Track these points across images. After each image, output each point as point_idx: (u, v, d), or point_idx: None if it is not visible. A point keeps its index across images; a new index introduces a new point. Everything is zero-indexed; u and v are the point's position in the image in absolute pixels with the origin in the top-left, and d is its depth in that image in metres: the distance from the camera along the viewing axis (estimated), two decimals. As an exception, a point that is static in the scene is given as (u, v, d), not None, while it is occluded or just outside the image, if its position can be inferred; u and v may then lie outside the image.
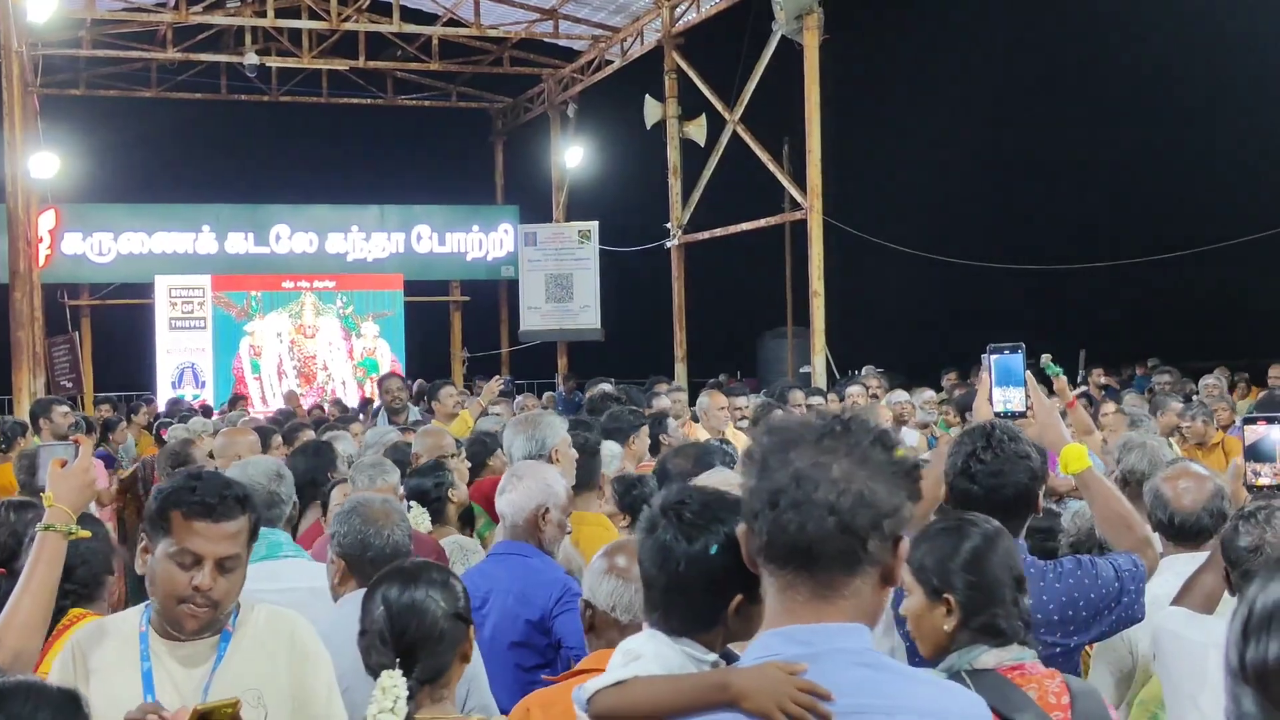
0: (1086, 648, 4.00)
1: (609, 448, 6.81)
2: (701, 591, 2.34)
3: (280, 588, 4.49)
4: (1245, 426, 4.10)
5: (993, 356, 4.13)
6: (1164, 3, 22.54)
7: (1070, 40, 24.08)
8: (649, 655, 2.42)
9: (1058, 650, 3.70)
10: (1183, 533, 4.30)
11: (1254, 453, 4.01)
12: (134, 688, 3.17)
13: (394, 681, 3.16)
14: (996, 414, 4.03)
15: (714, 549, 2.42)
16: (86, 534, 3.81)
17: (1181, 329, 21.47)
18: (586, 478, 5.88)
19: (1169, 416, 9.53)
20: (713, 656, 2.44)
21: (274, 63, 24.93)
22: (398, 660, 3.21)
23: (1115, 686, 4.16)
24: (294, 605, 3.99)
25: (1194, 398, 11.14)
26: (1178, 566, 4.14)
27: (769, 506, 2.11)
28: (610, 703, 2.33)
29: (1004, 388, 4.05)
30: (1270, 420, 4.03)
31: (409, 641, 3.24)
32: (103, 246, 24.26)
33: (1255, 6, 20.83)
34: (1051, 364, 5.81)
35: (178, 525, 3.20)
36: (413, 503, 5.68)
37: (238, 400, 18.56)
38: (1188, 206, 20.11)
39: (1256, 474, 3.99)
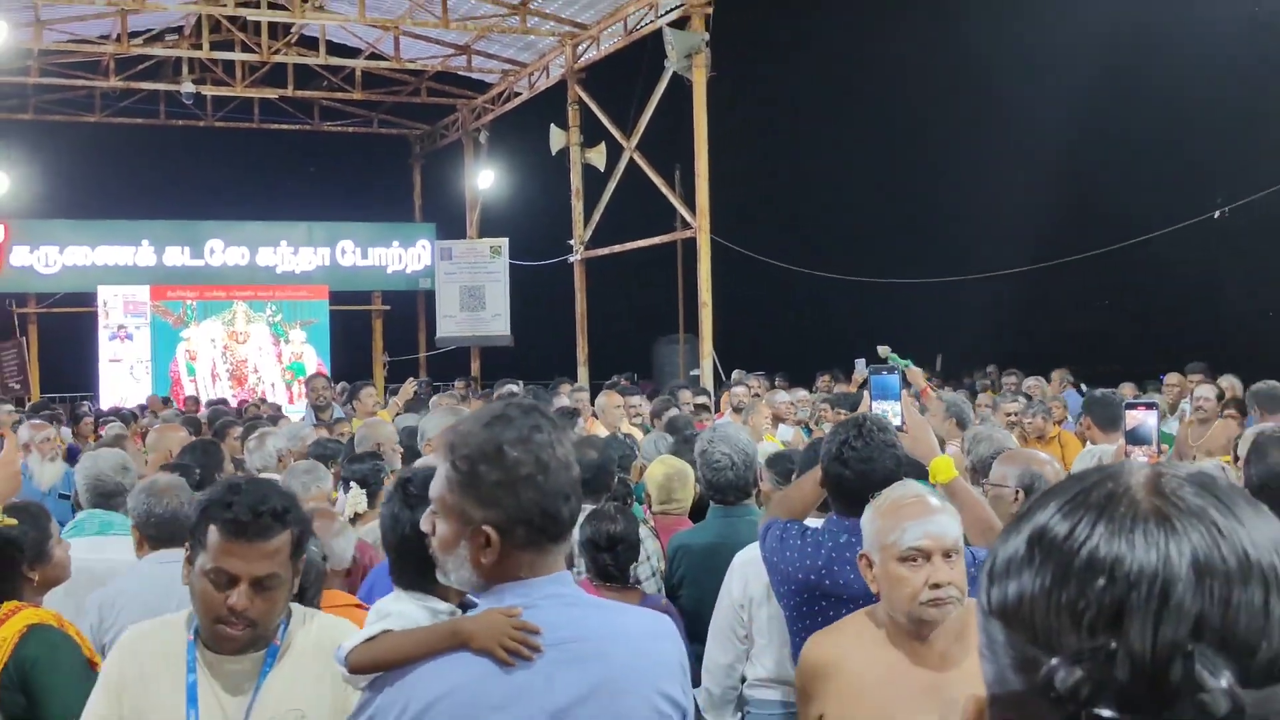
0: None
1: None
2: (426, 553, 2.42)
3: (102, 557, 4.86)
4: (1127, 412, 4.18)
5: (872, 375, 4.22)
6: (997, 46, 22.93)
7: (920, 84, 24.43)
8: (395, 612, 2.55)
9: None
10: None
11: (1133, 436, 4.10)
12: (177, 699, 2.77)
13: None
14: None
15: None
16: (13, 522, 3.66)
17: (1021, 338, 21.84)
18: None
19: (1000, 413, 9.76)
20: (448, 607, 2.59)
21: (209, 91, 24.72)
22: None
23: None
24: (110, 572, 4.60)
25: (1032, 397, 11.36)
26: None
27: (519, 487, 2.26)
28: (364, 656, 2.43)
29: (881, 402, 4.11)
30: (1148, 407, 4.12)
31: None
32: (49, 259, 23.91)
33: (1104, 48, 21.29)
34: (894, 355, 5.93)
35: (213, 542, 2.75)
36: (353, 484, 5.73)
37: (167, 401, 18.35)
38: (1027, 232, 20.45)
39: (1131, 454, 4.08)
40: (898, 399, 4.10)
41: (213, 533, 2.75)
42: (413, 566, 2.67)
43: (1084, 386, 13.42)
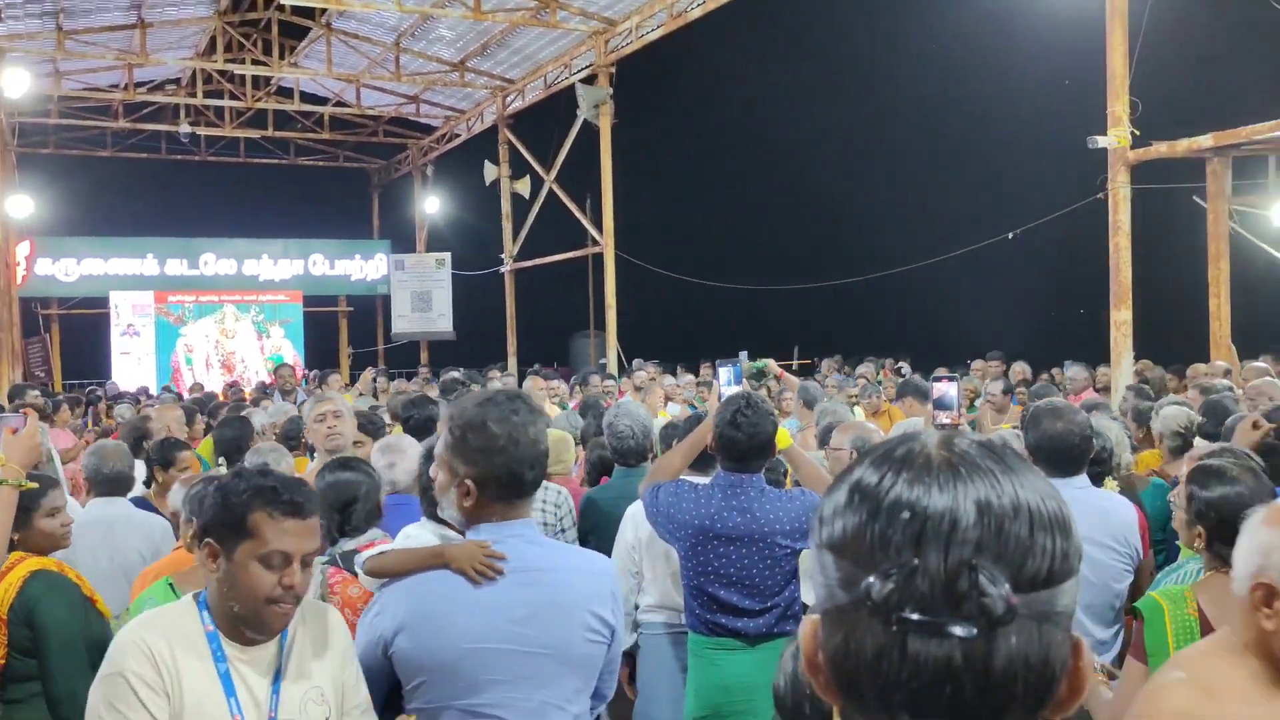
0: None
1: None
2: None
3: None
4: (933, 385, 4.25)
5: (719, 366, 4.35)
6: (861, 83, 23.24)
7: (791, 120, 24.68)
8: (414, 536, 2.87)
9: (789, 551, 3.83)
10: None
11: (939, 404, 4.20)
12: (212, 690, 2.31)
13: None
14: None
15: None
16: (34, 485, 3.59)
17: (860, 333, 22.18)
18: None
19: (844, 394, 9.98)
20: (457, 536, 2.71)
21: (202, 132, 24.25)
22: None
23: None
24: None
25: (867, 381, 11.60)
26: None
27: (494, 454, 2.43)
28: (376, 565, 2.65)
29: (728, 386, 4.22)
30: (950, 380, 4.22)
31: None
32: (68, 269, 23.32)
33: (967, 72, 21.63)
34: (751, 363, 6.07)
35: (264, 526, 2.31)
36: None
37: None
38: (876, 243, 20.78)
39: (937, 418, 4.19)
40: (740, 383, 4.27)
41: (262, 519, 2.31)
42: (431, 504, 2.95)
43: (904, 368, 13.68)
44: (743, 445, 3.81)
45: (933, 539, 0.89)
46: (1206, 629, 2.73)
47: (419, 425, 5.98)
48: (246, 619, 2.34)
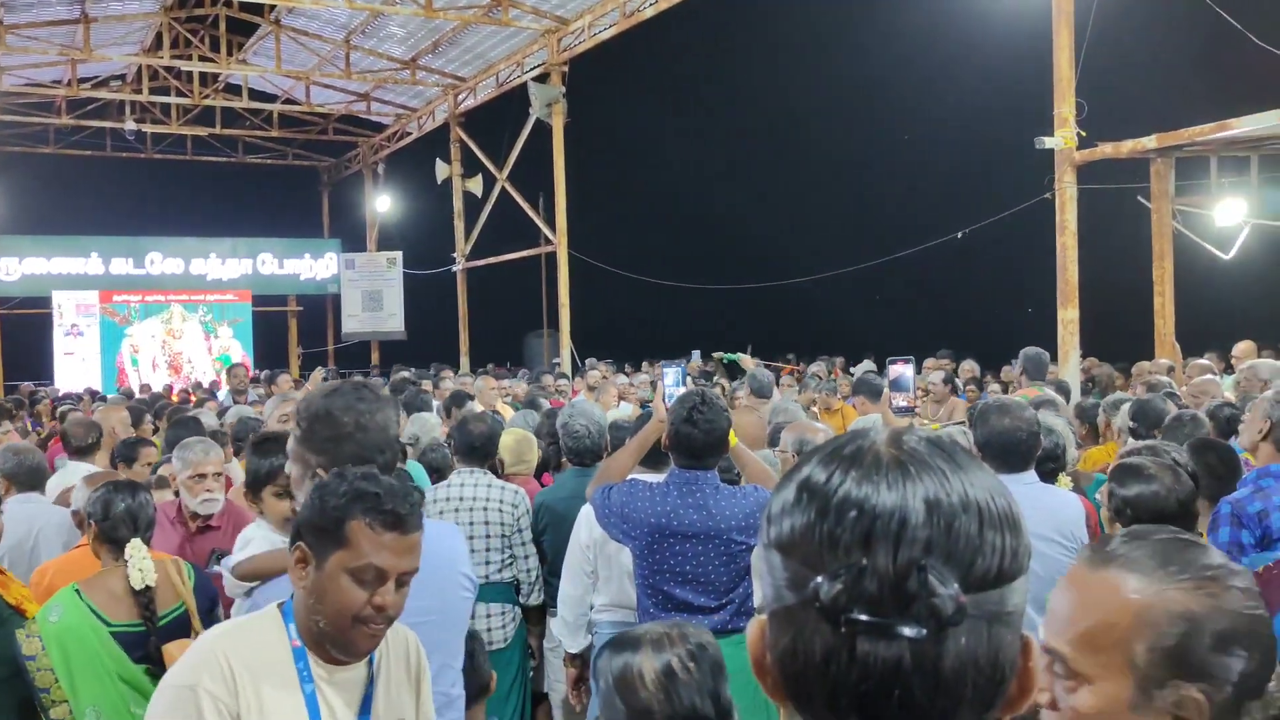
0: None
1: (428, 417, 6.91)
2: None
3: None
4: (889, 366, 4.29)
5: (664, 366, 4.38)
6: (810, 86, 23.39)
7: (739, 124, 24.83)
8: (256, 536, 2.90)
9: (744, 547, 3.85)
10: None
11: (895, 385, 4.25)
12: (298, 713, 2.11)
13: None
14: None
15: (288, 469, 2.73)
16: None
17: (815, 331, 22.33)
18: None
19: (806, 393, 10.05)
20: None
21: (148, 129, 23.97)
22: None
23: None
24: None
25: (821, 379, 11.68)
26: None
27: (332, 441, 2.51)
28: (249, 567, 2.76)
29: (673, 387, 4.26)
30: (905, 363, 4.27)
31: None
32: (9, 269, 22.86)
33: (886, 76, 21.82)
34: (728, 355, 6.09)
35: (360, 537, 2.08)
36: None
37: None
38: (828, 242, 20.94)
39: (894, 400, 4.23)
40: (684, 383, 4.31)
41: (360, 528, 2.08)
42: None
43: (853, 369, 13.79)
44: (699, 442, 3.83)
45: (881, 538, 0.88)
46: None
47: None
48: (332, 637, 2.12)
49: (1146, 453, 3.42)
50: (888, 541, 0.88)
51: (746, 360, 8.96)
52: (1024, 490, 4.00)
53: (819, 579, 0.89)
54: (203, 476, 4.49)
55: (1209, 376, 7.82)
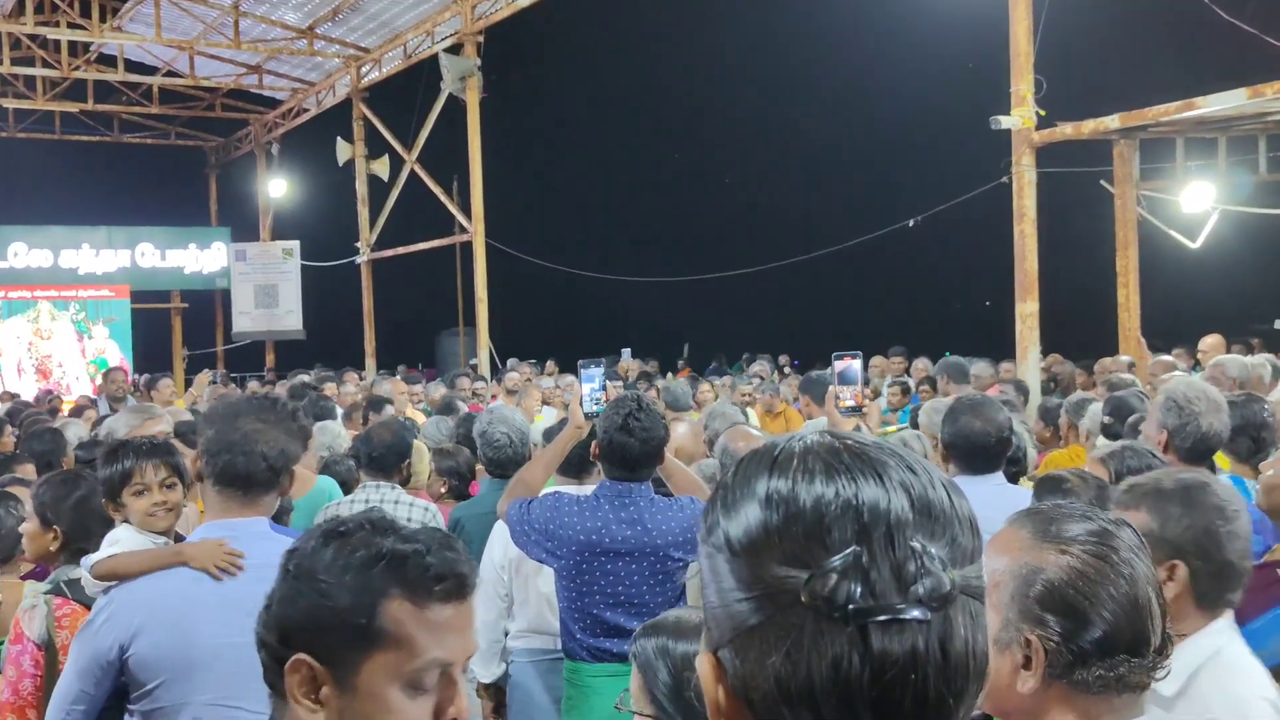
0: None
1: (334, 426, 6.89)
2: None
3: None
4: (835, 361, 4.34)
5: (581, 368, 4.41)
6: (750, 67, 23.58)
7: (671, 103, 24.93)
8: (122, 539, 3.01)
9: (681, 564, 3.89)
10: None
11: (842, 379, 4.29)
12: None
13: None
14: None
15: None
16: None
17: (757, 327, 22.53)
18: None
19: (737, 392, 10.18)
20: (161, 539, 3.07)
21: (10, 104, 23.46)
22: None
23: (695, 600, 4.36)
24: None
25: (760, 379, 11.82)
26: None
27: (224, 451, 2.86)
28: (106, 567, 2.89)
29: (588, 384, 4.29)
30: (853, 356, 4.31)
31: None
32: None
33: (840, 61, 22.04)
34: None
35: (408, 623, 1.53)
36: None
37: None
38: (771, 232, 21.11)
39: (841, 396, 4.27)
40: (596, 384, 4.29)
41: (402, 611, 1.54)
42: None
43: (787, 369, 13.96)
44: (634, 451, 3.86)
45: (873, 524, 0.93)
46: None
47: None
48: None
49: (1128, 453, 3.54)
50: (880, 527, 0.94)
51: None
52: (991, 491, 4.12)
53: (810, 574, 0.93)
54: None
55: (1175, 374, 8.04)
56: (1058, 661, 1.68)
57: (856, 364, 4.31)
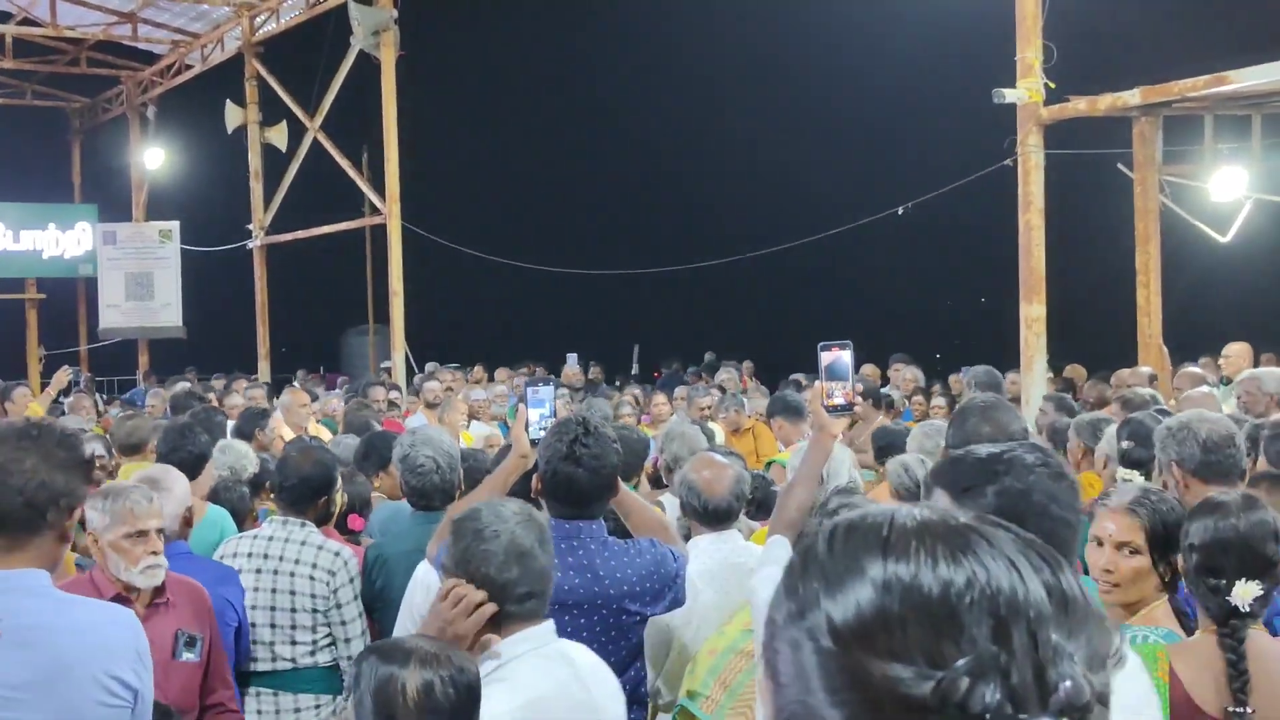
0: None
1: (238, 444, 6.87)
2: None
3: None
4: (821, 353, 4.39)
5: (528, 387, 4.45)
6: (701, 43, 23.67)
7: (621, 75, 25.00)
8: None
9: (638, 619, 3.90)
10: (715, 517, 4.52)
11: (830, 373, 4.35)
12: None
13: None
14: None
15: None
16: None
17: (720, 327, 22.65)
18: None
19: (694, 407, 10.25)
20: None
21: None
22: None
23: (654, 661, 4.34)
24: None
25: (725, 390, 11.89)
26: (703, 544, 4.49)
27: None
28: None
29: (535, 409, 4.33)
30: (841, 347, 4.37)
31: None
32: None
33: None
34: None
35: None
36: None
37: None
38: (736, 219, 21.23)
39: (831, 394, 4.32)
40: (546, 409, 4.33)
41: None
42: None
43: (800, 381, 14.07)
44: (582, 484, 3.86)
45: (1011, 619, 0.93)
46: (1178, 698, 3.03)
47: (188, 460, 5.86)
48: None
49: (1154, 498, 3.62)
50: (1020, 622, 0.93)
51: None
52: None
53: (941, 676, 0.92)
54: (144, 534, 4.27)
55: (1203, 389, 8.16)
56: None
57: (847, 355, 4.33)
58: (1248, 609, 3.12)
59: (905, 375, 12.47)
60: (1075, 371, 12.43)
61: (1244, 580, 3.12)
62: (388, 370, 18.14)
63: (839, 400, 4.25)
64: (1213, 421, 4.66)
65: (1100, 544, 3.55)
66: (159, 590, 4.26)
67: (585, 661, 3.15)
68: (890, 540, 0.99)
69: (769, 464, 7.20)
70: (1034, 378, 10.86)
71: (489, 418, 11.64)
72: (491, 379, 15.67)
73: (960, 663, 0.91)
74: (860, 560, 0.98)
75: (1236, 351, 9.93)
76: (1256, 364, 10.00)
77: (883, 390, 11.35)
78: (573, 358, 17.54)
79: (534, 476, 4.01)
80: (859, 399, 4.56)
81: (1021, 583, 0.95)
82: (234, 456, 6.52)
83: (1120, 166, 12.12)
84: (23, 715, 2.72)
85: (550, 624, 3.07)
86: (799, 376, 13.74)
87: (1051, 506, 2.22)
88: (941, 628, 0.93)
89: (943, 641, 0.92)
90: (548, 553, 3.12)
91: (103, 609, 3.10)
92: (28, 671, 2.75)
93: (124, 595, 4.17)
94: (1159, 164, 11.93)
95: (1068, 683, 0.92)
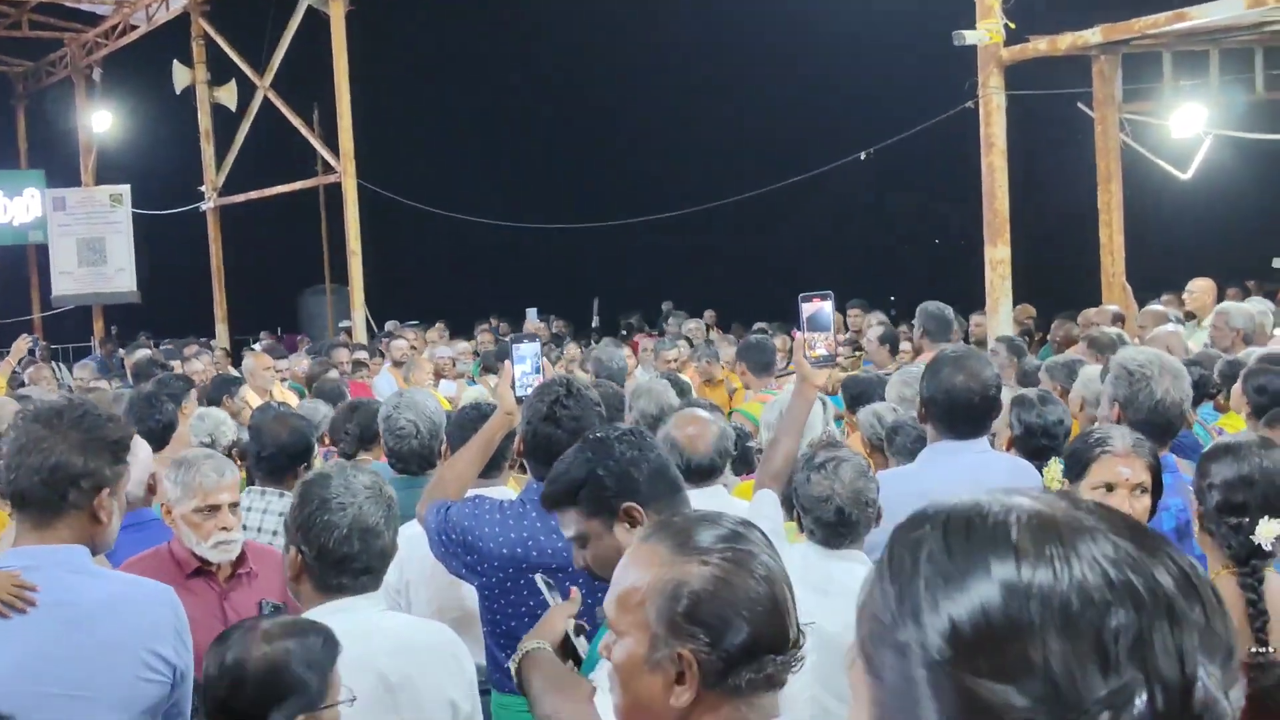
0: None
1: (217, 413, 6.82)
2: None
3: None
4: (802, 304, 4.38)
5: (512, 344, 4.43)
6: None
7: (582, 24, 24.84)
8: None
9: None
10: (698, 474, 4.42)
11: (811, 324, 4.34)
12: None
13: None
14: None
15: None
16: None
17: (682, 278, 22.65)
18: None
19: (660, 360, 10.23)
20: None
21: None
22: None
23: None
24: None
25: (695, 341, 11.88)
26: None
27: (10, 469, 2.90)
28: None
29: (520, 365, 4.31)
30: (823, 298, 4.36)
31: None
32: None
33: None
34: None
35: None
36: None
37: None
38: (697, 170, 21.18)
39: (813, 345, 4.32)
40: (529, 365, 4.32)
41: None
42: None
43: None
44: (563, 446, 3.77)
45: (1157, 638, 0.85)
46: None
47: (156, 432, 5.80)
48: None
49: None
50: (1165, 641, 0.86)
51: None
52: (976, 462, 4.24)
53: (1096, 701, 0.85)
54: (215, 509, 4.18)
55: (1169, 327, 8.18)
56: (710, 671, 1.88)
57: (828, 305, 4.32)
58: (1270, 547, 3.14)
59: (869, 320, 12.47)
60: (1024, 311, 12.42)
61: (1267, 518, 3.14)
62: (347, 330, 18.07)
63: (821, 351, 4.24)
64: (1173, 379, 4.49)
65: (1111, 489, 3.58)
66: (240, 560, 4.17)
67: (407, 638, 3.29)
68: (1017, 544, 0.89)
69: (729, 414, 7.02)
70: (999, 320, 10.90)
71: (454, 375, 11.58)
72: (453, 337, 15.61)
73: (1120, 684, 0.84)
74: (974, 559, 0.90)
75: (1200, 288, 9.93)
76: (1221, 299, 10.05)
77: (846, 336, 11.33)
78: (532, 312, 17.53)
79: (515, 438, 3.99)
80: (840, 348, 4.56)
81: (1162, 586, 0.87)
82: (211, 424, 6.43)
83: (1081, 105, 12.15)
84: (63, 685, 2.79)
85: (378, 596, 3.20)
86: (764, 325, 13.74)
87: None
88: (1082, 640, 0.85)
89: (1082, 659, 0.85)
90: (393, 529, 3.20)
91: (141, 585, 3.12)
92: (66, 644, 2.82)
93: (205, 568, 4.12)
94: (1119, 102, 11.97)
95: (1215, 710, 0.86)
